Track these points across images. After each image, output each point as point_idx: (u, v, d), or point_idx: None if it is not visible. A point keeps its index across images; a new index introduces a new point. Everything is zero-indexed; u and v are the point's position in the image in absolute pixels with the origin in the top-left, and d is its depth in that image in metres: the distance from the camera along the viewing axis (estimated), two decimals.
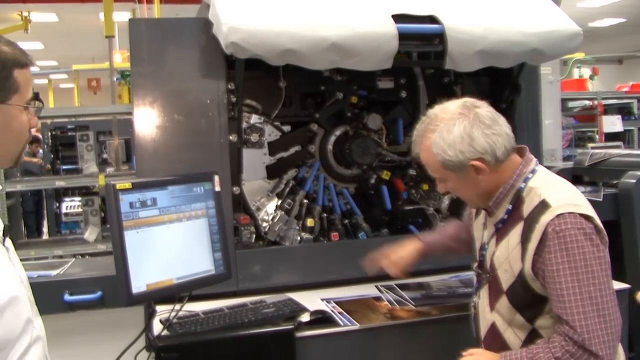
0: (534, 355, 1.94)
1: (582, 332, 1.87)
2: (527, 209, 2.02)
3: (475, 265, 2.31)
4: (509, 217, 2.08)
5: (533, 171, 2.09)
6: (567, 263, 1.90)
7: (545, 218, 1.95)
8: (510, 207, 2.07)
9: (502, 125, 2.07)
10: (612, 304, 1.91)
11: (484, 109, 2.08)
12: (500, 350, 2.07)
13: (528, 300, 2.04)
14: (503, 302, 2.10)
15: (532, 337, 2.07)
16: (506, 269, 2.07)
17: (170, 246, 2.38)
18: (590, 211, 1.99)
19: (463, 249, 2.60)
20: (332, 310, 2.79)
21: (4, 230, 1.62)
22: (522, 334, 2.09)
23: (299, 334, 2.60)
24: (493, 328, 2.18)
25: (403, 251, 2.67)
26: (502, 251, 2.09)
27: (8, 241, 1.63)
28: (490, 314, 2.18)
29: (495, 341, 2.17)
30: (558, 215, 1.93)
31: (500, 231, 2.12)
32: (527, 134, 3.51)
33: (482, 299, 2.24)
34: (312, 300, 2.88)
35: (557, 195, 2.00)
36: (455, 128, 2.01)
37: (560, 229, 1.91)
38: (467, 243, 2.52)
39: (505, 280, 2.07)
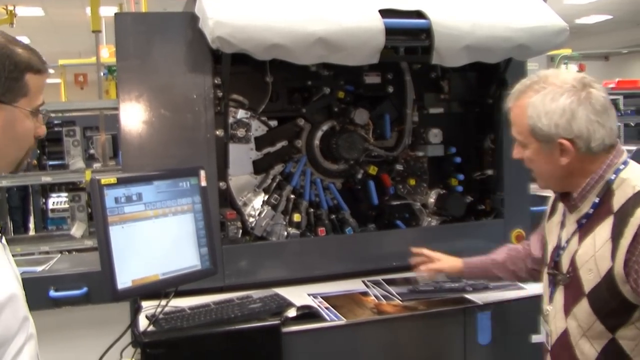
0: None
1: None
2: (618, 201, 1.82)
3: (545, 269, 2.11)
4: (596, 211, 1.87)
5: (625, 162, 1.89)
6: None
7: None
8: (597, 200, 1.87)
9: (611, 117, 1.86)
10: None
11: (600, 92, 1.87)
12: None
13: (613, 306, 1.80)
14: (583, 306, 1.86)
15: (610, 348, 1.83)
16: (590, 269, 1.83)
17: (155, 241, 2.37)
18: None
19: (506, 277, 2.55)
20: (318, 306, 2.79)
21: (0, 228, 1.60)
22: (598, 345, 1.85)
23: (286, 329, 2.59)
24: (564, 336, 1.95)
25: (445, 265, 2.70)
26: (586, 249, 1.87)
27: (3, 239, 1.61)
28: (563, 320, 1.95)
29: (564, 352, 1.95)
30: None
31: (585, 227, 1.90)
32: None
33: (555, 303, 2.00)
34: (298, 296, 2.88)
35: None
36: (561, 98, 1.83)
37: None
38: (512, 273, 2.51)
39: (588, 281, 1.84)
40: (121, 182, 2.26)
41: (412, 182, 3.59)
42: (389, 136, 3.55)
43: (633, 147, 2.89)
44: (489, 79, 3.51)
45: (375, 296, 2.94)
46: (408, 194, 3.58)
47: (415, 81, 3.49)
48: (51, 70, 19.79)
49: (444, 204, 3.54)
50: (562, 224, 2.04)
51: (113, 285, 2.20)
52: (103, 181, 2.21)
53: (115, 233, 2.22)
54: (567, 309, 1.93)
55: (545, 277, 2.10)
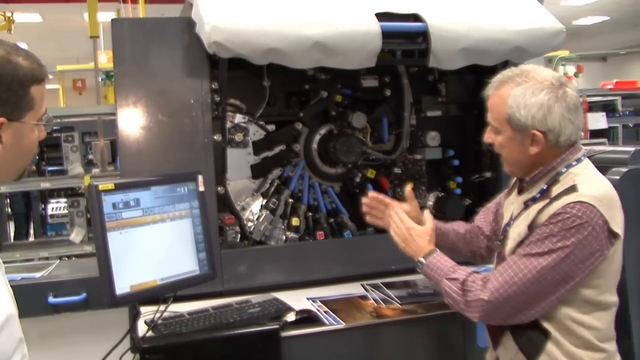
0: (457, 267, 2.17)
1: (496, 279, 2.04)
2: (557, 190, 2.05)
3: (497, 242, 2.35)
4: (541, 196, 2.10)
5: (578, 160, 2.10)
6: (547, 233, 1.98)
7: (568, 199, 1.98)
8: (545, 187, 2.09)
9: (580, 116, 2.07)
10: (535, 284, 1.99)
11: (574, 92, 2.07)
12: (499, 327, 2.19)
13: None
14: None
15: None
16: (514, 238, 2.13)
17: (154, 247, 2.37)
18: (613, 217, 2.00)
19: (462, 250, 2.59)
20: (317, 310, 2.78)
21: None
22: None
23: (285, 334, 2.59)
24: None
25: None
26: (519, 223, 2.13)
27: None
28: None
29: None
30: (580, 202, 1.96)
31: (528, 208, 2.13)
32: None
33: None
34: (297, 300, 2.87)
35: (591, 188, 2.01)
36: (541, 94, 2.01)
37: (571, 212, 1.95)
38: (469, 246, 2.57)
39: (509, 249, 2.15)
40: (119, 187, 2.26)
41: (411, 185, 3.58)
42: (387, 139, 3.56)
43: (631, 148, 2.85)
44: (486, 81, 3.49)
45: (375, 300, 2.93)
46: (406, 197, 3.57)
47: (412, 84, 3.49)
48: (50, 76, 19.85)
49: (443, 207, 3.54)
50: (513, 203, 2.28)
51: (111, 291, 2.20)
52: (101, 187, 2.21)
53: (113, 239, 2.22)
54: None
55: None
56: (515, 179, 2.36)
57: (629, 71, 18.16)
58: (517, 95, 2.02)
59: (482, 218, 2.57)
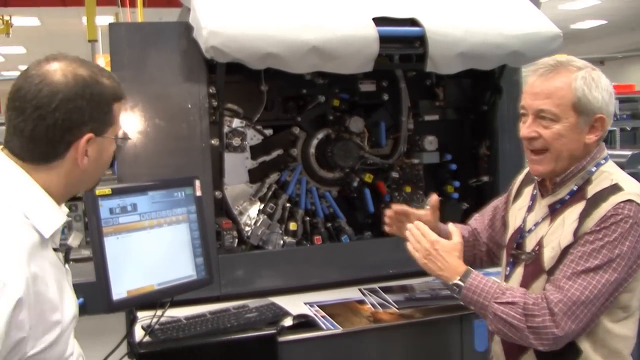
0: (504, 287, 1.97)
1: (560, 301, 1.86)
2: (593, 190, 1.95)
3: (503, 251, 2.25)
4: (571, 198, 2.00)
5: (605, 158, 2.03)
6: (604, 242, 1.86)
7: (616, 199, 1.88)
8: (575, 188, 1.99)
9: None
10: (600, 300, 1.87)
11: None
12: (520, 345, 2.01)
13: None
14: (541, 282, 1.99)
15: None
16: (553, 247, 1.98)
17: (151, 252, 2.36)
18: None
19: (466, 255, 2.39)
20: (315, 314, 2.78)
21: (66, 253, 1.67)
22: None
23: (282, 339, 2.59)
24: None
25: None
26: (554, 230, 2.00)
27: (67, 265, 1.68)
28: None
29: None
30: (629, 201, 1.88)
31: (558, 211, 2.02)
32: (508, 136, 3.52)
33: (512, 281, 2.12)
34: (295, 304, 2.88)
35: (631, 184, 1.95)
36: (602, 78, 1.96)
37: (623, 213, 1.86)
38: (471, 253, 2.46)
39: (550, 259, 1.98)
40: (116, 192, 2.25)
41: (408, 189, 3.59)
42: (385, 144, 3.56)
43: (628, 152, 2.89)
44: (483, 85, 3.52)
45: (372, 304, 2.93)
46: (404, 201, 3.57)
47: (410, 88, 3.49)
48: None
49: (440, 211, 3.53)
50: (530, 209, 2.16)
51: (108, 296, 2.19)
52: (97, 192, 2.20)
53: (110, 244, 2.22)
54: (525, 286, 2.04)
55: (503, 257, 2.24)
56: (517, 183, 2.32)
57: (627, 75, 18.21)
58: (585, 78, 1.93)
59: (479, 222, 2.52)
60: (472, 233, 2.50)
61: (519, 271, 2.10)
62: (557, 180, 2.03)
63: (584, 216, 1.91)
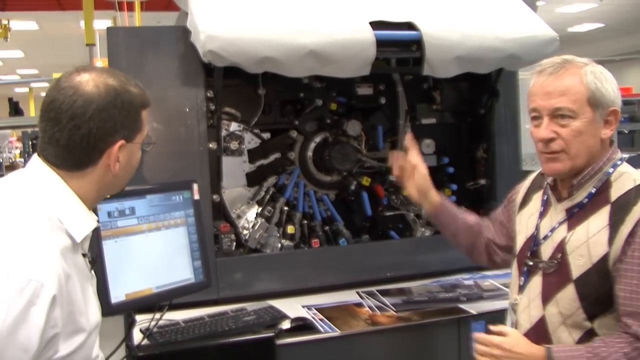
0: (595, 349, 1.79)
1: None
2: (616, 192, 1.88)
3: (515, 259, 2.15)
4: (590, 201, 1.92)
5: (621, 159, 1.95)
6: None
7: None
8: (593, 190, 1.91)
9: None
10: None
11: None
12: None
13: (599, 292, 1.85)
14: (568, 292, 1.89)
15: (587, 339, 1.87)
16: (582, 255, 1.87)
17: (149, 255, 2.37)
18: None
19: (463, 244, 2.44)
20: (312, 317, 2.79)
21: (92, 260, 1.70)
22: (576, 334, 1.89)
23: (280, 342, 2.60)
24: (541, 325, 1.96)
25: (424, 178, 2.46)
26: (578, 236, 1.90)
27: (92, 270, 1.72)
28: (539, 308, 1.97)
29: (539, 340, 1.91)
30: None
31: (576, 216, 1.94)
32: (505, 139, 3.54)
33: (530, 291, 2.02)
34: (293, 307, 2.88)
35: None
36: (607, 72, 1.94)
37: None
38: (472, 240, 2.40)
39: (578, 267, 1.88)
40: (114, 196, 2.25)
41: (406, 192, 3.59)
42: (382, 147, 3.57)
43: (626, 155, 2.88)
44: (480, 89, 3.53)
45: (370, 307, 2.94)
46: (401, 204, 3.59)
47: (407, 92, 3.51)
48: (46, 84, 19.84)
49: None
50: (542, 214, 2.07)
51: (106, 299, 2.19)
52: None
53: (109, 247, 2.22)
54: (548, 296, 1.95)
55: (514, 267, 2.14)
56: (523, 189, 2.25)
57: (624, 77, 18.21)
58: (594, 72, 1.90)
59: (497, 230, 2.39)
60: (480, 224, 2.42)
61: (537, 281, 2.00)
62: (574, 183, 1.95)
63: (615, 223, 1.84)
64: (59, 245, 1.48)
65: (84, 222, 1.58)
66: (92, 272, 1.70)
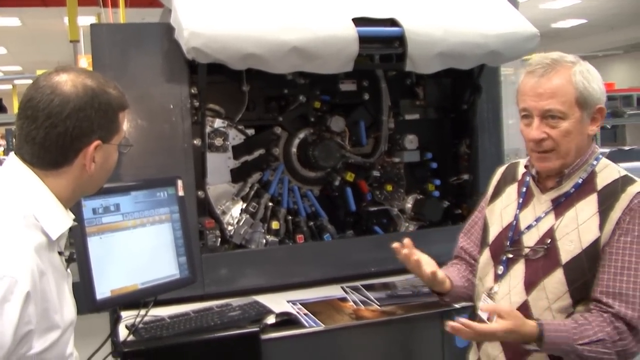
0: (580, 327, 1.87)
1: (636, 310, 1.87)
2: (602, 182, 1.99)
3: (486, 250, 2.18)
4: (576, 190, 2.01)
5: (602, 153, 2.08)
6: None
7: (634, 189, 1.94)
8: (580, 180, 2.01)
9: None
10: None
11: None
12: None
13: (587, 277, 1.93)
14: (556, 276, 1.96)
15: None
16: (572, 240, 1.96)
17: (134, 251, 2.39)
18: None
19: (465, 297, 2.34)
20: (297, 312, 2.81)
21: (68, 259, 1.72)
22: (560, 318, 1.95)
23: (265, 336, 2.62)
24: (523, 309, 1.98)
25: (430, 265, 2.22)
26: (567, 222, 1.99)
27: (69, 268, 1.73)
28: (521, 294, 2.02)
29: None
30: None
31: (563, 205, 2.02)
32: (488, 134, 3.57)
33: (511, 279, 2.06)
34: (278, 303, 2.90)
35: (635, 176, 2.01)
36: (593, 69, 1.99)
37: None
38: (468, 290, 2.30)
39: (568, 252, 1.95)
40: (99, 192, 2.26)
41: (389, 188, 3.62)
42: (365, 143, 3.59)
43: (607, 150, 2.92)
44: (463, 85, 3.56)
45: (354, 302, 2.97)
46: (385, 199, 3.61)
47: (390, 88, 3.53)
48: (29, 81, 19.76)
49: (421, 209, 3.58)
50: (522, 205, 2.13)
51: (92, 295, 2.21)
52: None
53: (94, 243, 2.24)
54: (533, 281, 2.01)
55: (486, 257, 2.19)
56: (493, 183, 2.31)
57: (607, 73, 18.34)
58: (583, 72, 1.96)
59: (467, 241, 2.39)
60: (465, 273, 2.34)
61: (519, 268, 2.05)
62: (565, 173, 2.02)
63: (605, 209, 1.94)
64: (33, 242, 1.49)
65: (59, 221, 1.60)
66: (68, 270, 1.72)
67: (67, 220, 1.63)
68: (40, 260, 1.49)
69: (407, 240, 2.16)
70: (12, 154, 1.63)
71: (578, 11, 15.14)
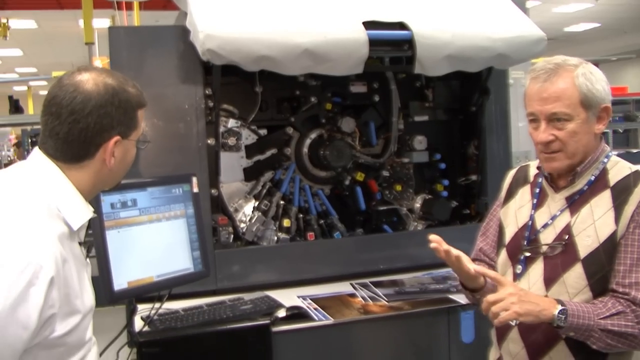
0: (598, 303, 1.95)
1: None
2: (614, 178, 2.05)
3: (503, 250, 2.23)
4: (590, 187, 2.07)
5: (611, 152, 2.14)
6: None
7: None
8: (592, 178, 2.07)
9: None
10: None
11: None
12: (547, 337, 2.04)
13: (605, 270, 1.99)
14: (575, 271, 2.02)
15: None
16: (589, 235, 2.02)
17: (150, 245, 2.47)
18: None
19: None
20: (307, 306, 2.89)
21: (88, 249, 1.81)
22: None
23: (276, 329, 2.70)
24: None
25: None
26: (583, 218, 2.04)
27: (88, 258, 1.81)
28: (541, 291, 2.06)
29: (541, 323, 1.97)
30: None
31: (577, 202, 2.08)
32: (496, 136, 3.63)
33: (530, 276, 2.12)
34: (288, 298, 2.98)
35: None
36: (597, 70, 2.06)
37: None
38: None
39: (586, 246, 2.01)
40: (117, 188, 2.34)
41: (399, 187, 3.68)
42: (375, 143, 3.66)
43: (616, 153, 2.95)
44: (471, 87, 3.62)
45: (362, 297, 3.03)
46: (395, 199, 3.68)
47: (400, 90, 3.59)
48: (44, 82, 19.88)
49: (430, 209, 3.65)
50: (537, 206, 2.19)
51: (110, 286, 2.30)
52: None
53: (112, 237, 2.33)
54: (552, 278, 2.06)
55: (504, 258, 2.24)
56: (506, 186, 2.35)
57: (621, 77, 18.34)
58: (585, 74, 2.02)
59: (485, 242, 2.41)
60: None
61: (538, 266, 2.11)
62: (578, 171, 2.08)
63: (619, 204, 2.00)
64: (56, 231, 1.57)
65: (80, 212, 1.68)
66: (87, 260, 1.79)
67: (87, 212, 1.71)
68: (63, 248, 1.57)
69: (437, 237, 2.12)
70: (36, 148, 1.72)
71: (591, 15, 15.11)
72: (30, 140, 8.08)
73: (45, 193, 1.61)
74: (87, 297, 1.68)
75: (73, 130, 1.64)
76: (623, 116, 11.39)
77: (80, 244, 1.73)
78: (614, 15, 15.22)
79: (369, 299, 3.01)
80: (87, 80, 1.67)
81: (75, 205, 1.66)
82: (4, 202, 1.55)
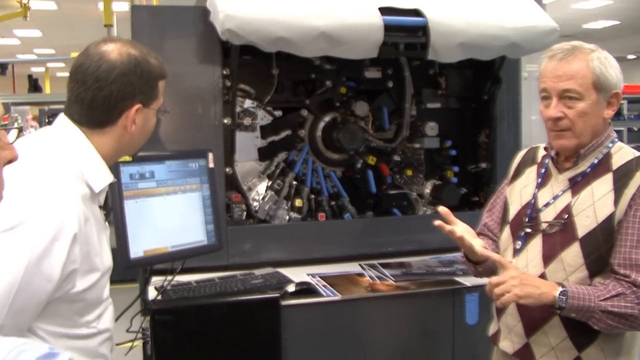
0: (599, 286, 2.00)
1: None
2: (617, 162, 2.10)
3: (507, 227, 2.29)
4: (592, 170, 2.12)
5: (617, 137, 2.18)
6: None
7: None
8: (596, 161, 2.12)
9: None
10: None
11: None
12: (542, 313, 2.09)
13: (602, 250, 2.04)
14: (573, 250, 2.07)
15: None
16: (588, 215, 2.07)
17: (166, 216, 2.55)
18: None
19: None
20: (316, 283, 2.96)
21: (107, 212, 1.91)
22: None
23: (285, 302, 2.77)
24: None
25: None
26: (583, 199, 2.10)
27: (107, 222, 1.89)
28: (539, 267, 2.12)
29: None
30: None
31: (580, 183, 2.13)
32: (507, 125, 3.68)
33: (529, 253, 2.18)
34: (298, 275, 3.05)
35: None
36: (611, 57, 2.11)
37: None
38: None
39: (584, 226, 2.07)
40: (136, 160, 2.43)
41: (409, 172, 3.74)
42: (388, 128, 3.72)
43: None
44: (484, 76, 3.67)
45: (370, 277, 3.11)
46: (405, 184, 3.74)
47: (414, 77, 3.64)
48: (62, 64, 20.00)
49: (439, 194, 3.71)
50: (541, 185, 2.25)
51: (126, 254, 2.38)
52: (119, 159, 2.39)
53: (130, 207, 2.41)
54: (550, 255, 2.12)
55: (506, 234, 2.30)
56: (515, 165, 2.42)
57: (637, 75, 18.23)
58: (600, 58, 2.08)
59: (490, 218, 2.48)
60: (493, 250, 2.37)
61: (536, 242, 2.17)
62: (581, 153, 2.13)
63: (619, 187, 2.05)
64: (79, 192, 1.66)
65: (102, 176, 1.76)
66: (107, 223, 1.88)
67: (108, 176, 1.79)
68: (85, 208, 1.65)
69: (444, 210, 2.28)
70: (61, 114, 1.80)
71: (610, 12, 15.04)
72: (47, 120, 8.18)
73: (69, 156, 1.69)
74: (106, 256, 1.76)
75: (97, 97, 1.72)
76: (638, 114, 11.38)
77: (100, 207, 1.82)
78: (633, 13, 15.14)
79: (376, 279, 3.08)
80: (112, 50, 1.74)
81: (98, 169, 1.74)
82: (32, 163, 1.63)
